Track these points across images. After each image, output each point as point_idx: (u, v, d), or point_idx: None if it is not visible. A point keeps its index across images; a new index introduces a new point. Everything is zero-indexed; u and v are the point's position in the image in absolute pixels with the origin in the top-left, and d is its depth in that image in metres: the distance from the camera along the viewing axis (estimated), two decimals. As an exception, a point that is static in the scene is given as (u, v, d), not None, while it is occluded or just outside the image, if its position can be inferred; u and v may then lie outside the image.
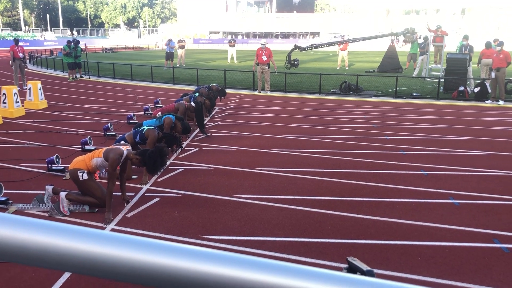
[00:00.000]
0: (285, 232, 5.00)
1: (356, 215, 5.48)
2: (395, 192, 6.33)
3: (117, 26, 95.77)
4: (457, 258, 4.45)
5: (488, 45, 16.42)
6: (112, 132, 9.49)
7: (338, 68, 25.68)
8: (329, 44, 23.84)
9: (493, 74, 14.27)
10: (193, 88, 14.80)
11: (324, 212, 5.57)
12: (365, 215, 5.47)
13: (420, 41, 21.66)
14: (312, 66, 27.55)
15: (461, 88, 15.46)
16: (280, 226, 5.17)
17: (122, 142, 6.20)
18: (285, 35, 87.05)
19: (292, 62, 18.98)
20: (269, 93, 16.51)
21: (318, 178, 6.91)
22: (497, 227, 5.15)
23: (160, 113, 9.06)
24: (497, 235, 4.93)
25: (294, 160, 7.87)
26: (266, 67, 16.26)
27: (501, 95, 14.48)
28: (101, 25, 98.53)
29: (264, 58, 16.04)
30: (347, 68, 25.49)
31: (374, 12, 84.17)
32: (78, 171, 5.45)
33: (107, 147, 5.57)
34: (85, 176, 5.45)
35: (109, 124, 9.64)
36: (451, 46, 24.18)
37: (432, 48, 20.72)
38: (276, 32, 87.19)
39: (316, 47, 21.87)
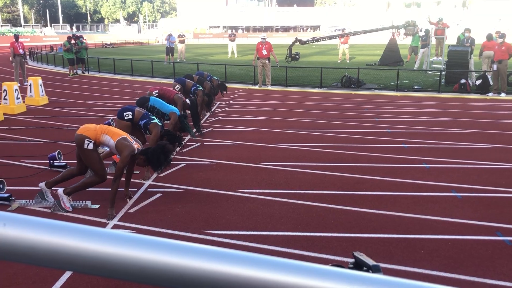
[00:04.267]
0: (288, 226, 5.00)
1: (358, 209, 5.47)
2: (398, 185, 6.32)
3: (117, 21, 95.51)
4: (460, 251, 4.44)
5: (489, 37, 16.33)
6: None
7: (339, 61, 25.61)
8: (330, 38, 23.77)
9: (495, 67, 14.21)
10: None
11: (326, 206, 5.56)
12: (368, 209, 5.47)
13: (421, 33, 21.56)
14: (313, 60, 27.47)
15: (463, 81, 15.40)
16: (283, 220, 5.17)
17: (133, 138, 5.96)
18: (286, 29, 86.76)
19: (293, 55, 18.93)
20: (270, 87, 16.48)
21: (320, 172, 6.90)
22: (500, 220, 5.14)
23: (157, 91, 9.10)
24: (500, 228, 4.92)
25: (296, 154, 7.86)
26: (267, 61, 16.23)
27: (503, 87, 14.43)
28: (101, 20, 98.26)
29: (264, 52, 16.00)
30: (348, 61, 25.41)
31: (374, 5, 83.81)
32: (86, 139, 5.28)
33: (123, 135, 5.41)
34: (91, 146, 5.30)
35: (110, 120, 9.61)
36: (452, 38, 24.07)
37: (433, 41, 20.64)
38: (277, 26, 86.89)
39: (317, 40, 21.81)
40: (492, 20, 61.73)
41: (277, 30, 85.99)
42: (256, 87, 16.72)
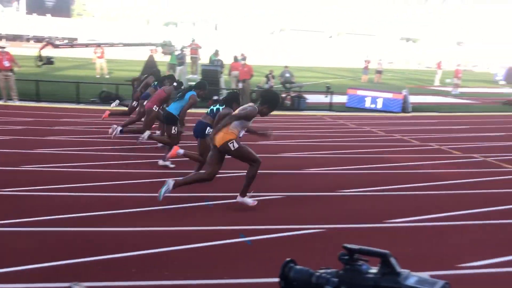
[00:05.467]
0: (35, 259, 4.53)
1: (111, 229, 5.35)
2: (154, 200, 6.41)
3: None
4: (210, 257, 4.77)
5: (235, 59, 18.31)
6: None
7: (98, 76, 24.80)
8: (87, 45, 23.04)
9: (240, 85, 15.97)
10: None
11: (76, 230, 5.26)
12: (121, 227, 5.40)
13: (178, 52, 22.68)
14: (69, 74, 25.84)
15: (215, 97, 16.78)
16: (30, 252, 4.67)
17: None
18: (39, 39, 79.48)
19: (48, 59, 17.58)
20: (17, 103, 14.82)
21: (75, 194, 6.52)
22: (243, 222, 5.75)
23: (156, 106, 8.87)
24: (243, 230, 5.50)
25: (48, 177, 7.24)
26: (10, 73, 14.61)
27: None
28: None
29: (6, 63, 14.40)
30: (107, 76, 24.82)
31: (134, 21, 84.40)
32: (228, 143, 5.78)
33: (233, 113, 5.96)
34: (236, 145, 5.82)
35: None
36: (205, 58, 26.05)
37: (189, 59, 21.96)
38: (28, 35, 78.90)
39: (72, 46, 20.87)
40: (240, 42, 69.33)
41: (28, 39, 78.04)
42: (1, 102, 14.84)
